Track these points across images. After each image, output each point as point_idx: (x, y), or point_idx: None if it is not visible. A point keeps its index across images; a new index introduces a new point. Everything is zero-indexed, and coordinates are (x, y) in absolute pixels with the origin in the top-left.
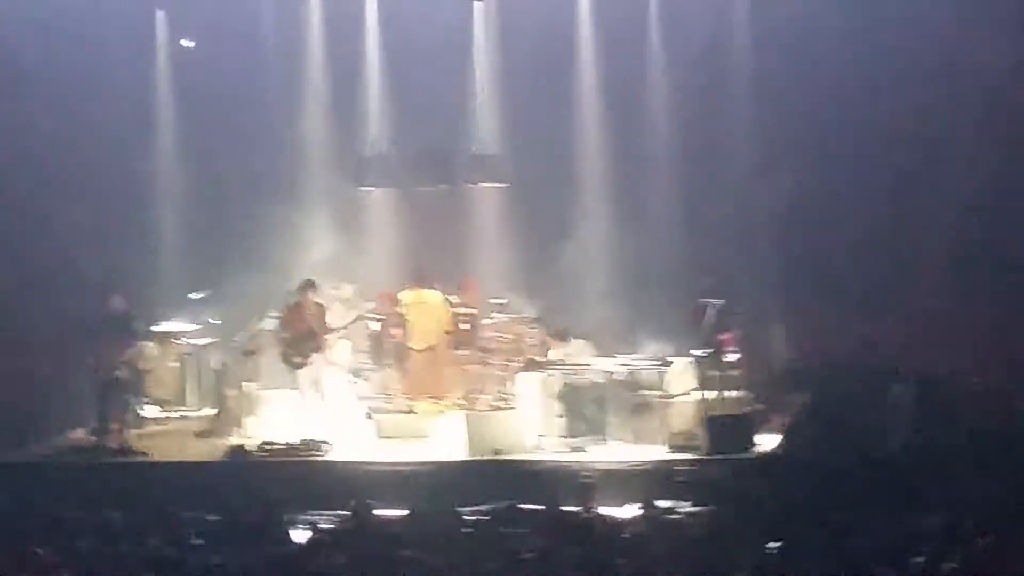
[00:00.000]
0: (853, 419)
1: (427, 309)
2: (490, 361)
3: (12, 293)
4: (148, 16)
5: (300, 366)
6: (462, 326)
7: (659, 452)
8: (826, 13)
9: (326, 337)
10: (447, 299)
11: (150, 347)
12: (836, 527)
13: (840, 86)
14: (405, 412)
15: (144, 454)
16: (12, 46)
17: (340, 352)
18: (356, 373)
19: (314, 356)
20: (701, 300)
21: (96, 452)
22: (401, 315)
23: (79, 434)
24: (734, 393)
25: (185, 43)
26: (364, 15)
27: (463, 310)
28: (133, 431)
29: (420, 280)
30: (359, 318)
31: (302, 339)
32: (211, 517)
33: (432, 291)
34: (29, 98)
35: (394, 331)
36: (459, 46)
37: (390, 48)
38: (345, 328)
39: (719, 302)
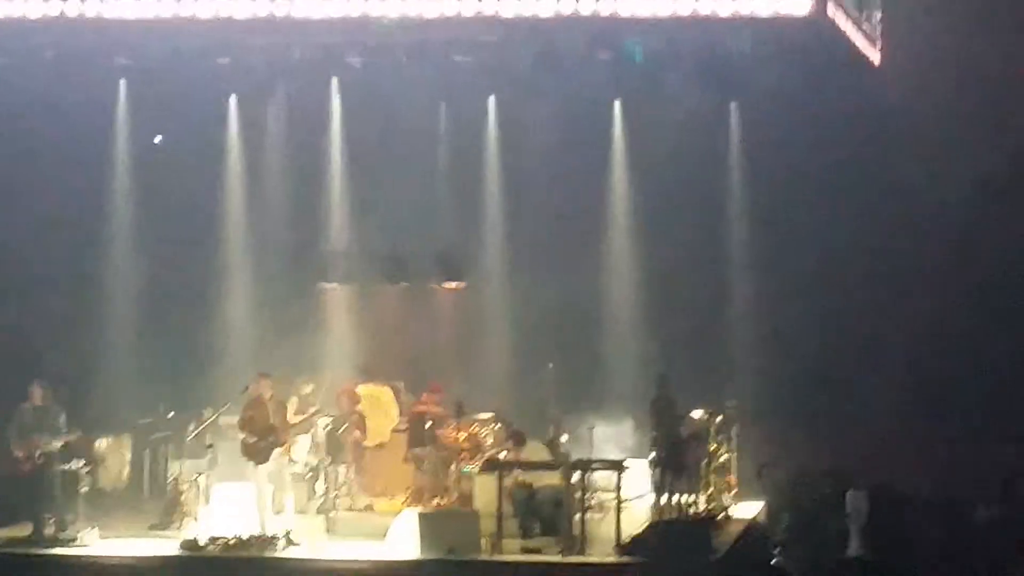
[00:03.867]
0: (813, 526)
1: (379, 406)
2: (446, 460)
3: None
4: (108, 116)
5: (259, 461)
6: (418, 424)
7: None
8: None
9: (285, 432)
10: (399, 396)
11: (104, 439)
12: None
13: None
14: (360, 509)
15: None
16: None
17: (298, 448)
18: (313, 469)
19: (273, 451)
20: (657, 402)
21: (35, 545)
22: (360, 413)
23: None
24: (690, 497)
25: (156, 140)
26: (329, 115)
27: (420, 408)
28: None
29: (371, 377)
30: (316, 413)
31: (261, 434)
32: None
33: (383, 388)
34: None
35: (353, 428)
36: (422, 147)
37: (353, 147)
38: (303, 423)
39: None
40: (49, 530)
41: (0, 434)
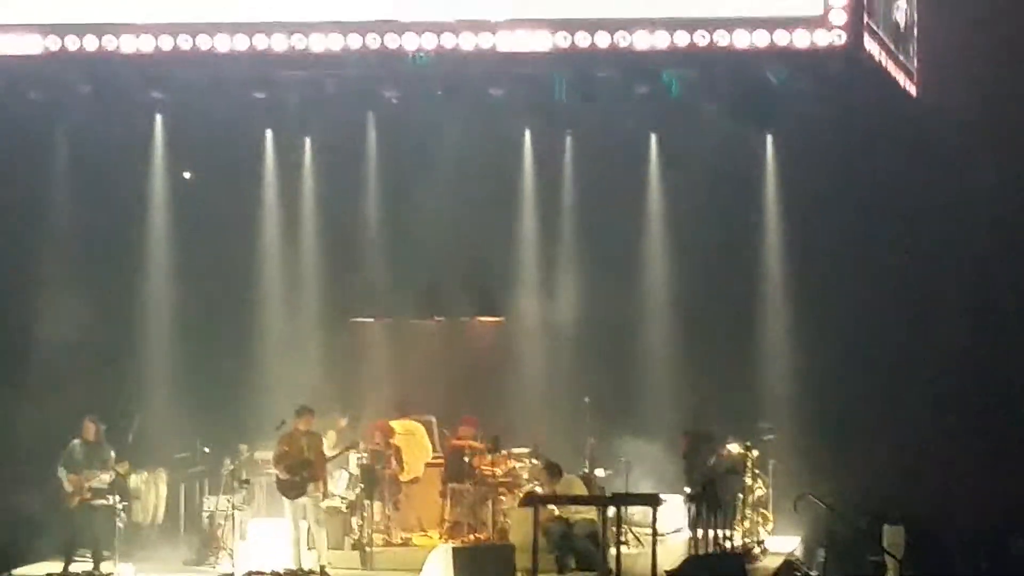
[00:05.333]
0: (849, 560)
1: (413, 440)
2: (481, 494)
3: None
4: (145, 151)
5: (294, 496)
6: (456, 459)
7: None
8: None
9: (319, 466)
10: (433, 430)
11: (140, 473)
12: None
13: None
14: (395, 544)
15: None
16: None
17: (335, 482)
18: (348, 504)
19: (309, 486)
20: (694, 435)
21: None
22: (395, 446)
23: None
24: (725, 531)
25: (186, 175)
26: (365, 149)
27: (457, 442)
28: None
29: (405, 411)
30: (351, 448)
31: (296, 468)
32: None
33: (417, 422)
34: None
35: (389, 462)
36: (457, 181)
37: (388, 181)
38: (337, 457)
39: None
40: (84, 566)
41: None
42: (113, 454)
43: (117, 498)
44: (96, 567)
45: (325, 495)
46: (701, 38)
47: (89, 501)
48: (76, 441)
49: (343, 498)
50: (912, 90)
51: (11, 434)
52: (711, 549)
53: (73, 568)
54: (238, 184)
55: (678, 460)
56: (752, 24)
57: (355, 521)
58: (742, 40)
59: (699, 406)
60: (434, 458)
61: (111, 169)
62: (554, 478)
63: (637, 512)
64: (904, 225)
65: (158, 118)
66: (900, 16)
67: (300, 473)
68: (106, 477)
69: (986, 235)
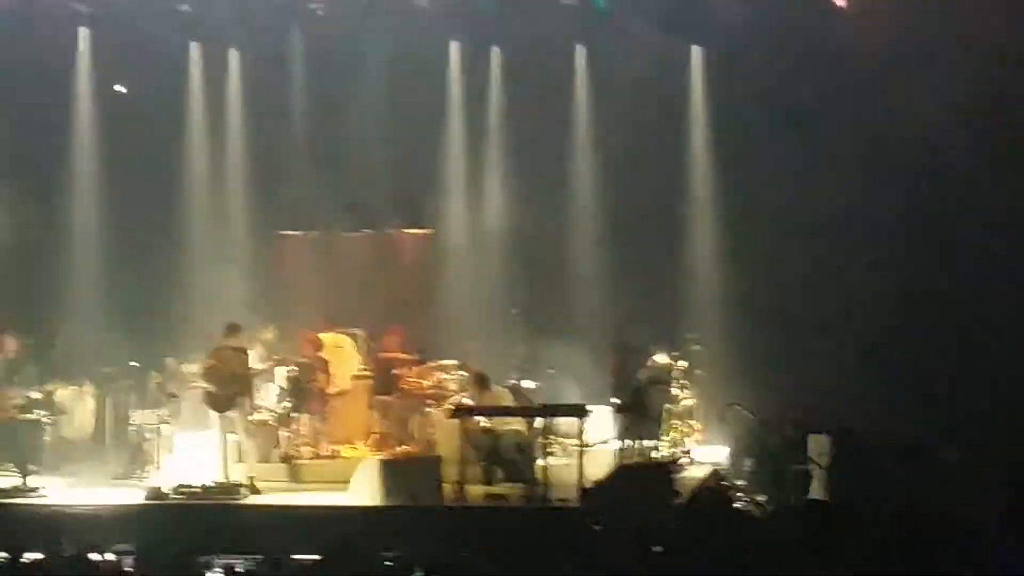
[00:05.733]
0: (775, 470)
1: (341, 353)
2: (409, 407)
3: None
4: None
5: (222, 409)
6: (383, 371)
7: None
8: None
9: (248, 380)
10: (361, 343)
11: (67, 389)
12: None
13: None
14: (323, 457)
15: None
16: None
17: (263, 395)
18: (276, 417)
19: (237, 399)
20: (622, 347)
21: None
22: (323, 359)
23: None
24: (653, 442)
25: (117, 88)
26: (290, 62)
27: (384, 355)
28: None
29: (333, 324)
30: (280, 361)
31: (223, 382)
32: (125, 560)
33: (345, 335)
34: None
35: (317, 375)
36: (384, 93)
37: (315, 94)
38: (265, 371)
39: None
40: (11, 481)
41: None
42: (35, 369)
43: (44, 413)
44: (23, 482)
45: (253, 408)
46: None
47: (13, 417)
48: None
49: (271, 411)
50: (840, 1)
51: None
52: (638, 460)
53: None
54: (164, 98)
55: (606, 374)
56: None
57: (283, 434)
58: None
59: (626, 318)
60: (362, 371)
61: (35, 83)
62: (482, 390)
63: (564, 423)
64: (833, 140)
65: (82, 31)
66: None
67: (227, 386)
68: (34, 394)
69: (917, 151)
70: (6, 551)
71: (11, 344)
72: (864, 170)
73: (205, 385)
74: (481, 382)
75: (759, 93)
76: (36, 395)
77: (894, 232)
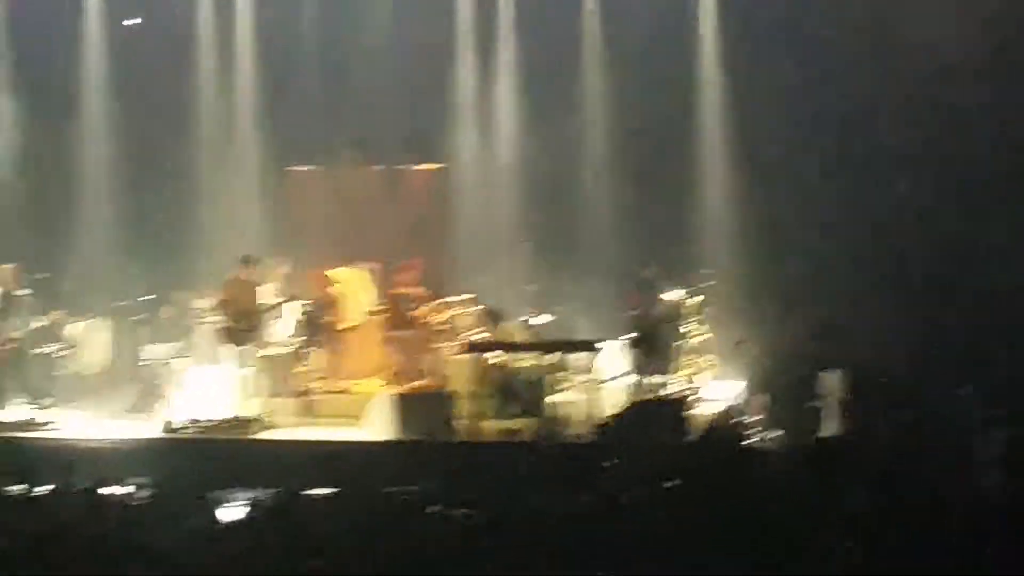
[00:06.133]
0: (787, 407)
1: (353, 288)
2: (422, 342)
3: None
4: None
5: (236, 343)
6: (397, 307)
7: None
8: None
9: (261, 315)
10: (374, 278)
11: (80, 322)
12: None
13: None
14: (336, 392)
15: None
16: None
17: (273, 330)
18: (288, 352)
19: (249, 333)
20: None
21: (13, 427)
22: (333, 295)
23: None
24: (665, 378)
25: (129, 21)
26: None
27: (398, 290)
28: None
29: (346, 260)
30: (292, 297)
31: (236, 317)
32: (138, 494)
33: (357, 270)
34: None
35: (328, 311)
36: (394, 26)
37: (324, 29)
38: (278, 306)
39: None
40: (22, 414)
41: None
42: (34, 301)
43: (56, 346)
44: (35, 415)
45: (265, 342)
46: None
47: (13, 352)
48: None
49: (284, 346)
50: None
51: None
52: (651, 395)
53: (9, 416)
54: (172, 30)
55: (620, 309)
56: None
57: (296, 369)
58: None
59: (643, 252)
60: (376, 306)
61: (45, 16)
62: (495, 325)
63: (577, 359)
64: (852, 69)
65: None
66: None
67: (240, 320)
68: (35, 324)
69: (935, 83)
70: (18, 485)
71: (11, 276)
72: (885, 98)
73: (217, 319)
74: (494, 317)
75: (774, 15)
76: (37, 325)
77: (912, 162)
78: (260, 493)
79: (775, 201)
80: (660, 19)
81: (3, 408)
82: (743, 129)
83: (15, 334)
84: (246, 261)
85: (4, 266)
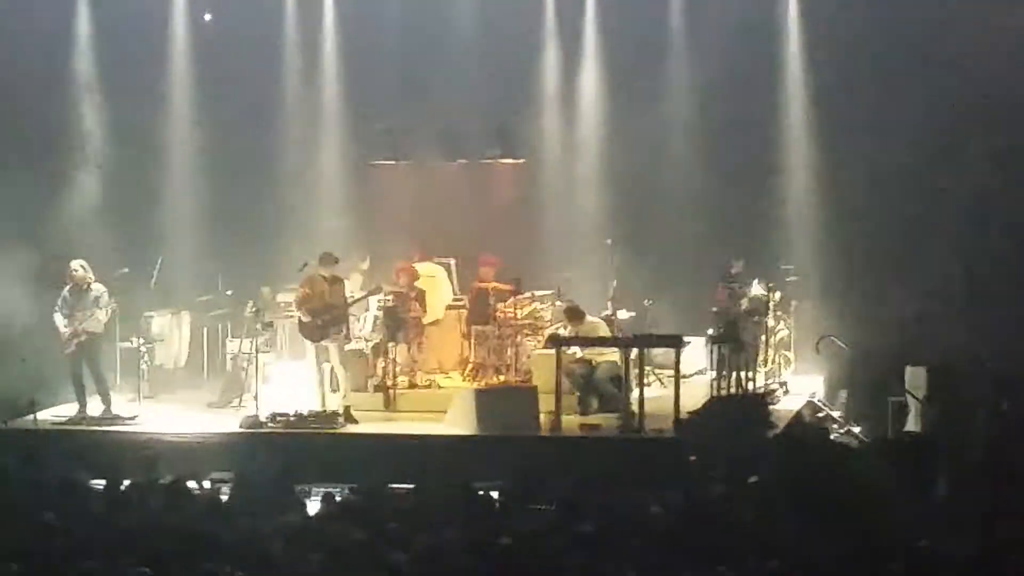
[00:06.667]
0: (871, 402)
1: (434, 283)
2: (504, 337)
3: None
4: None
5: (316, 338)
6: (479, 301)
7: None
8: None
9: (341, 310)
10: (453, 272)
11: (163, 316)
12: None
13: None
14: (419, 386)
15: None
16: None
17: (359, 325)
18: (373, 346)
19: (332, 328)
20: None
21: (97, 421)
22: (419, 289)
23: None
24: (748, 373)
25: (207, 17)
26: None
27: (480, 285)
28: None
29: (426, 254)
30: (374, 290)
31: (318, 311)
32: (222, 488)
33: (437, 265)
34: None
35: (413, 305)
36: (479, 21)
37: (409, 22)
38: (360, 300)
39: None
40: (102, 409)
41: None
42: (107, 296)
43: (140, 341)
44: (107, 408)
45: (348, 338)
46: None
47: (88, 343)
48: (68, 286)
49: (367, 340)
50: None
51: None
52: (733, 391)
53: (89, 410)
54: (258, 26)
55: (704, 303)
56: None
57: (379, 363)
58: None
59: (722, 247)
60: (455, 301)
61: (131, 13)
62: (577, 320)
63: (660, 354)
64: (935, 65)
65: None
66: None
67: (322, 316)
68: (101, 316)
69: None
70: (104, 479)
71: (78, 272)
72: (965, 98)
73: (299, 314)
74: (576, 313)
75: (860, 14)
76: (107, 319)
77: (998, 156)
78: (343, 487)
79: (859, 195)
80: (745, 13)
81: (83, 403)
82: (827, 122)
83: (89, 327)
84: (325, 258)
85: (74, 261)
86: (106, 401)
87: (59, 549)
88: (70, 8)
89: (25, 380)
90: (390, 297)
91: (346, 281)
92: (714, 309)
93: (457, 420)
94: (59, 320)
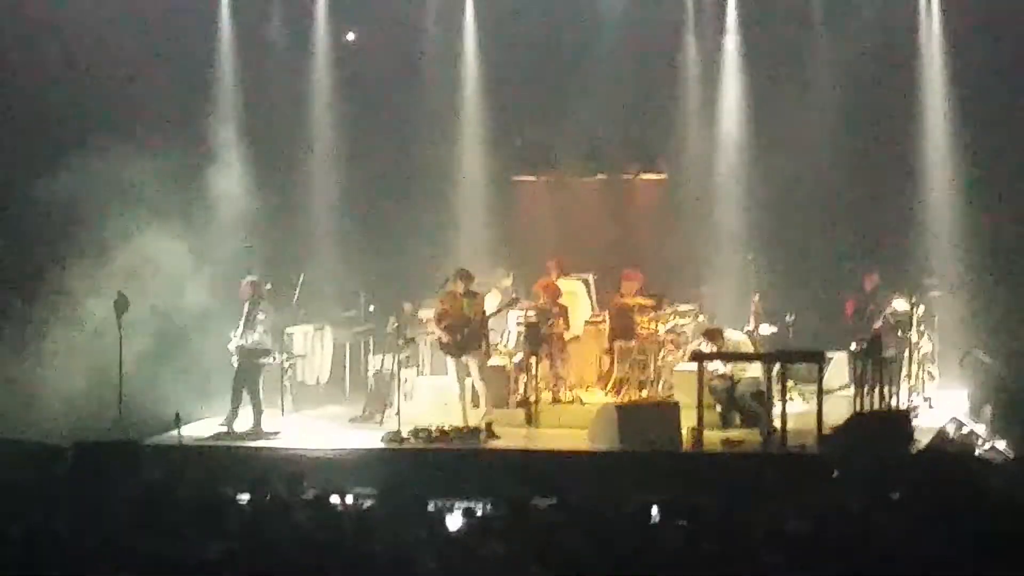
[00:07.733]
0: (1015, 416)
1: (574, 299)
2: (645, 352)
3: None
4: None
5: (456, 354)
6: (621, 316)
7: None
8: None
9: (479, 327)
10: (591, 288)
11: (305, 332)
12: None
13: None
14: (560, 402)
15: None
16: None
17: (501, 340)
18: (513, 362)
19: (468, 345)
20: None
21: (241, 436)
22: (563, 306)
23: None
24: (892, 388)
25: (349, 36)
26: (526, 5)
27: (622, 300)
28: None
29: (564, 270)
30: (510, 303)
31: (456, 327)
32: (365, 503)
33: (576, 281)
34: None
35: (556, 321)
36: (620, 36)
37: (551, 37)
38: (497, 314)
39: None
40: (248, 424)
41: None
42: (270, 312)
43: (284, 356)
44: (256, 424)
45: (488, 353)
46: None
47: (252, 358)
48: (246, 301)
49: (508, 356)
50: None
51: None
52: (876, 406)
53: (236, 426)
54: (400, 42)
55: (844, 319)
56: None
57: (520, 379)
58: None
59: (865, 261)
60: (594, 316)
61: (275, 30)
62: (718, 335)
63: (802, 369)
64: None
65: None
66: None
67: (460, 332)
68: (266, 338)
69: None
70: (247, 493)
71: (247, 289)
72: None
73: (438, 331)
74: (716, 334)
75: (1001, 23)
76: (267, 339)
77: None
78: (485, 502)
79: (1004, 207)
80: (884, 27)
81: (234, 417)
82: (971, 133)
83: (249, 344)
84: (461, 275)
85: (245, 280)
86: (257, 418)
87: (203, 564)
88: (212, 35)
89: (175, 391)
90: (532, 313)
91: (487, 297)
92: (848, 324)
93: (599, 435)
94: (237, 335)
